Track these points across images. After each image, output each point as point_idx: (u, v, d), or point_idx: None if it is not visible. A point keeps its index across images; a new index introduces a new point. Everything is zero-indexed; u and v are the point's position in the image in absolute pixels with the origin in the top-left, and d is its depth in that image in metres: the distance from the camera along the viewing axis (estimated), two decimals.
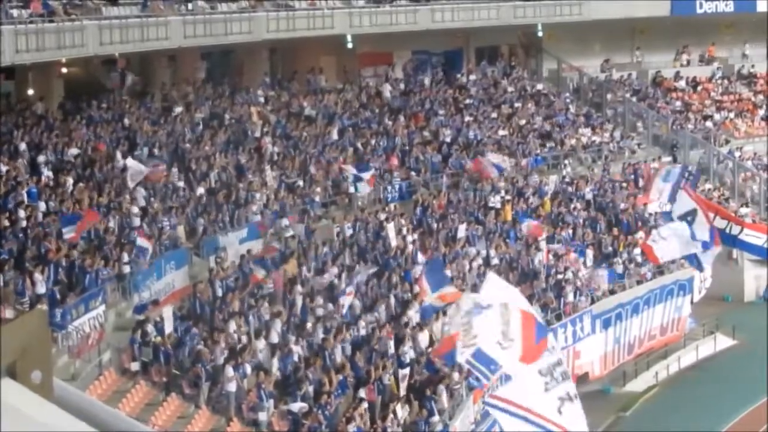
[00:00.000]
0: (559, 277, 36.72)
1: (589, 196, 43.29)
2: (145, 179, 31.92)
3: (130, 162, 31.76)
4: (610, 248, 40.07)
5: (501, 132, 45.92)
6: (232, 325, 27.68)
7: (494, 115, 47.37)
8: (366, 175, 37.06)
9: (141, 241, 28.81)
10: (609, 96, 53.28)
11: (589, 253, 39.09)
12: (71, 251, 26.98)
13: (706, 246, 37.31)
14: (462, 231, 36.64)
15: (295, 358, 27.67)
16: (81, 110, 35.75)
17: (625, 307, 38.07)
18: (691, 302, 41.32)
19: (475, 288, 29.12)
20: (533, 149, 45.40)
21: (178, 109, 37.84)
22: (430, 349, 29.71)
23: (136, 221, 30.28)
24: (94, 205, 29.64)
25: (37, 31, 30.21)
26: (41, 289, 25.21)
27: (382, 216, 36.44)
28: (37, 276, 25.29)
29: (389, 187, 39.13)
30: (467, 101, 47.56)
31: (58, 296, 25.48)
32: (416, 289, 32.31)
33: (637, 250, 40.22)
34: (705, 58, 58.66)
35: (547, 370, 19.13)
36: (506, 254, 37.05)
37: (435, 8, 45.87)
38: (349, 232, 35.10)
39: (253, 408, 25.82)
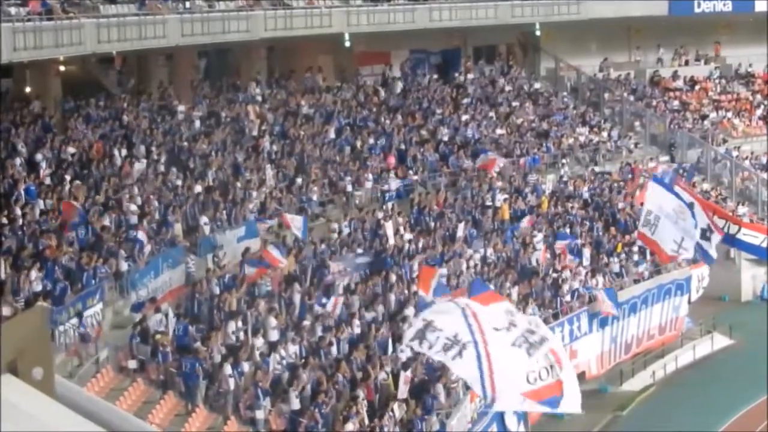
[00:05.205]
0: (556, 276, 36.74)
1: (586, 195, 43.34)
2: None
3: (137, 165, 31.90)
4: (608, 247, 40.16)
5: (498, 131, 45.96)
6: (230, 324, 27.68)
7: (492, 114, 47.38)
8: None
9: (140, 235, 28.99)
10: (606, 95, 53.31)
11: (586, 252, 39.09)
12: (69, 249, 26.99)
13: (705, 235, 37.10)
14: (461, 230, 36.64)
15: (292, 357, 27.68)
16: (79, 108, 35.76)
17: (623, 307, 38.05)
18: (689, 302, 41.33)
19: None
20: (531, 148, 45.42)
21: (181, 108, 37.87)
22: None
23: (134, 219, 30.27)
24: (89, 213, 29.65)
25: (35, 29, 30.21)
26: (38, 286, 25.21)
27: (380, 215, 36.44)
28: (34, 273, 25.28)
29: (386, 186, 39.11)
30: (465, 100, 47.58)
31: (57, 294, 25.47)
32: (414, 287, 32.38)
33: (635, 249, 40.27)
34: (708, 57, 58.74)
35: (522, 340, 19.03)
36: (503, 253, 37.05)
37: (433, 7, 45.87)
38: (346, 230, 35.10)
39: (250, 406, 25.83)
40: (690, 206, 35.54)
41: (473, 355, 18.74)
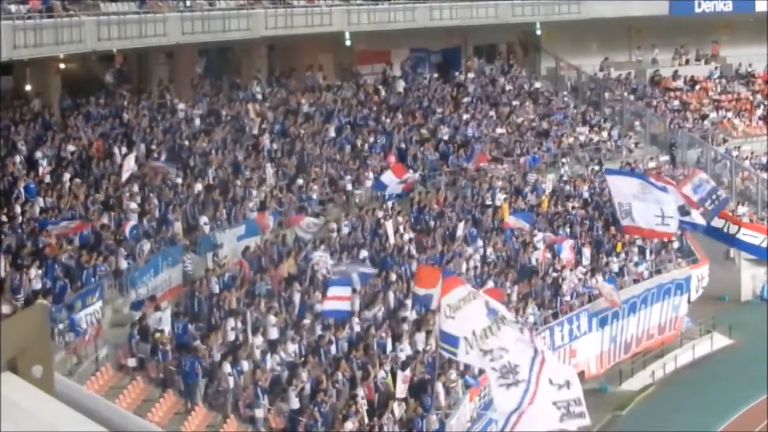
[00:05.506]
0: (556, 275, 36.71)
1: (586, 194, 43.32)
2: (143, 176, 31.93)
3: (128, 160, 31.75)
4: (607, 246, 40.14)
5: (499, 130, 45.94)
6: (229, 323, 27.67)
7: (492, 113, 47.36)
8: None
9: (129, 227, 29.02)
10: (607, 95, 53.30)
11: (586, 251, 39.08)
12: (68, 247, 26.98)
13: (684, 211, 37.24)
14: (461, 229, 36.61)
15: (292, 356, 27.67)
16: (79, 106, 35.74)
17: (622, 306, 38.03)
18: (688, 301, 41.33)
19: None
20: (531, 148, 45.41)
21: (181, 106, 37.85)
22: (428, 348, 29.63)
23: (134, 218, 30.24)
24: (89, 211, 29.60)
25: (35, 27, 30.20)
26: (37, 284, 25.20)
27: (380, 214, 36.41)
28: (34, 271, 25.27)
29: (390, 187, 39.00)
30: (465, 99, 47.56)
31: (56, 292, 25.46)
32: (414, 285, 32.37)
33: (635, 249, 40.29)
34: (708, 57, 58.75)
35: (564, 404, 19.53)
36: (503, 252, 37.03)
37: (433, 6, 45.84)
38: (346, 230, 35.06)
39: (250, 405, 25.83)
40: (663, 189, 35.88)
41: (519, 395, 19.24)
